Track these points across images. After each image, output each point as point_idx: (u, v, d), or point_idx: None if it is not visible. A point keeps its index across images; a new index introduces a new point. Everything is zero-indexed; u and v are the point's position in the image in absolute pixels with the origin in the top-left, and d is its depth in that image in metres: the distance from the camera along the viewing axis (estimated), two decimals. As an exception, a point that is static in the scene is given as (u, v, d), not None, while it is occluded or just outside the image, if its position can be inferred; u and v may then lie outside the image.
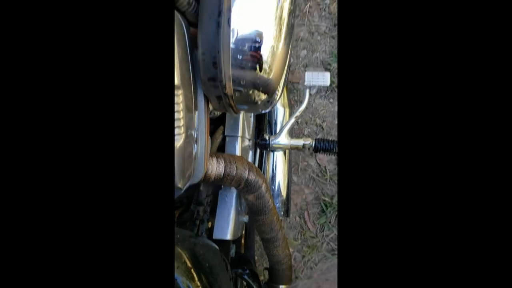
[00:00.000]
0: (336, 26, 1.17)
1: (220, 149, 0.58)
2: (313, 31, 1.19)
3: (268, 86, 0.34)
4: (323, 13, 1.20)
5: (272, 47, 0.31)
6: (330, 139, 0.71)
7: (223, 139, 0.58)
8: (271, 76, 0.33)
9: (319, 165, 1.15)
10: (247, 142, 0.62)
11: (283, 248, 0.61)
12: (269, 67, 0.32)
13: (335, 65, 1.17)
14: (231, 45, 0.30)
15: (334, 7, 1.18)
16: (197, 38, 0.31)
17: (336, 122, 1.17)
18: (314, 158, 1.16)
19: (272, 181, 0.82)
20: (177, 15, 0.30)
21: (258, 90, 0.34)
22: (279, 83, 0.34)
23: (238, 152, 0.57)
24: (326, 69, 1.17)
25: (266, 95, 0.35)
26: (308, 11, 1.20)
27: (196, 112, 0.36)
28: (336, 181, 1.14)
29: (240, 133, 0.57)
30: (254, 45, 0.31)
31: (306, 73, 0.68)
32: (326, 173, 1.14)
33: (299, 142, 0.71)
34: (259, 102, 0.35)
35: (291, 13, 0.33)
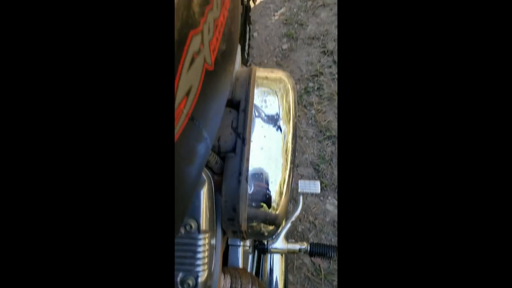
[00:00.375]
0: (322, 133, 1.33)
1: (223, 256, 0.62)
2: (302, 135, 1.33)
3: (275, 220, 0.41)
4: (310, 121, 1.37)
5: (280, 188, 0.40)
6: (324, 243, 0.76)
7: (226, 247, 0.62)
8: (278, 212, 0.40)
9: (314, 264, 1.17)
10: (247, 248, 0.67)
11: None
12: (277, 204, 0.40)
13: (323, 166, 1.28)
14: (248, 195, 0.38)
15: (319, 116, 1.36)
16: (222, 188, 0.39)
17: (327, 219, 1.22)
18: (309, 256, 1.17)
19: (269, 284, 0.83)
20: (206, 171, 0.39)
21: (266, 224, 0.41)
22: (284, 214, 0.41)
23: (240, 259, 0.61)
24: (315, 169, 1.28)
25: (273, 227, 0.42)
26: (297, 119, 1.37)
27: (214, 239, 0.42)
28: (330, 280, 1.14)
29: (242, 242, 0.62)
30: (265, 192, 0.39)
31: (299, 182, 0.77)
32: (321, 272, 1.15)
33: (295, 246, 0.76)
34: (266, 233, 0.42)
35: (294, 153, 0.42)
